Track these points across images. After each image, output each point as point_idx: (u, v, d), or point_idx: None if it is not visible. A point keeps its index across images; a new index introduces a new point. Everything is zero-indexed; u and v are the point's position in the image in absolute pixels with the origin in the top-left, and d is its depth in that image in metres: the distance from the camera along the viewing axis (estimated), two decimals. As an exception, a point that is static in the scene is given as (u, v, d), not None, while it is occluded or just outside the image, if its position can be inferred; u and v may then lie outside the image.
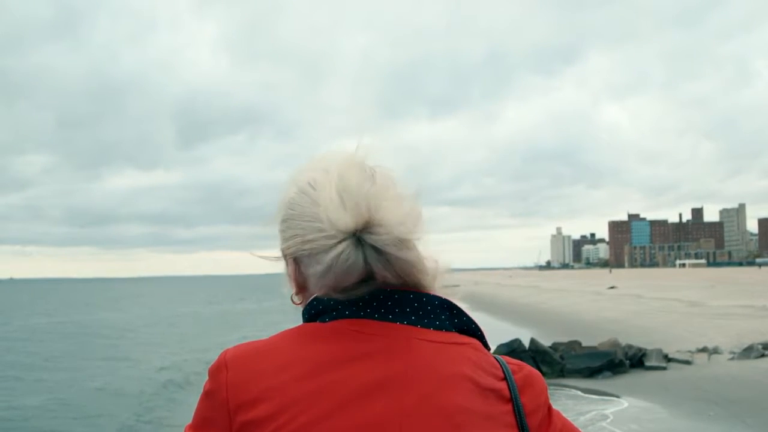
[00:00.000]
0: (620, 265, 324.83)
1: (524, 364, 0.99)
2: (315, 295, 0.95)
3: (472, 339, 0.95)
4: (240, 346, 0.92)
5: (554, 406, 0.99)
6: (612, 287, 51.54)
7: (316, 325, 0.92)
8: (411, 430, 0.83)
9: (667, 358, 14.98)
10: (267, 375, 0.86)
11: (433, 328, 0.92)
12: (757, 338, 16.56)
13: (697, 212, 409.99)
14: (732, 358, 14.91)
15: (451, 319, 0.94)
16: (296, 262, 0.97)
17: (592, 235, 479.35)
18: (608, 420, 10.69)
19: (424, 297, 0.93)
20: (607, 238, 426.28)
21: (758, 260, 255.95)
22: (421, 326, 0.91)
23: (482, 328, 0.97)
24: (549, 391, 1.00)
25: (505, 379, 0.93)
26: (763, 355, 14.55)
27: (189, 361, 21.06)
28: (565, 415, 1.02)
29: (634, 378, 13.94)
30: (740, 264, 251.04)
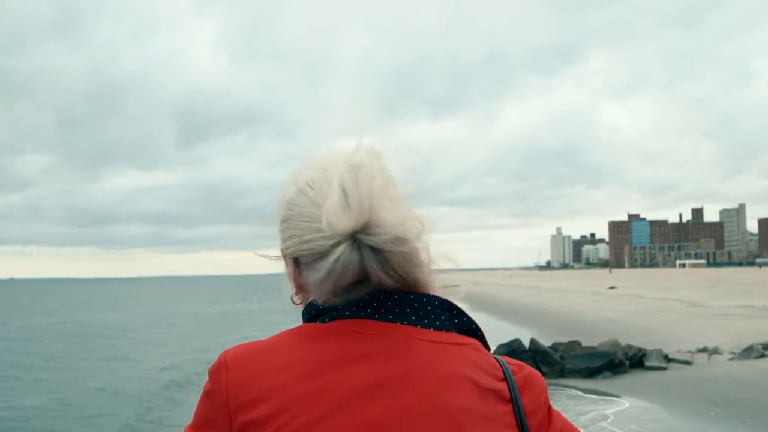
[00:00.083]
0: (620, 266, 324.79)
1: (524, 364, 0.99)
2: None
3: (473, 339, 0.95)
4: (240, 346, 0.92)
5: (554, 407, 0.99)
6: (612, 287, 51.55)
7: (316, 325, 0.92)
8: (411, 430, 0.83)
9: (667, 359, 14.98)
10: (267, 375, 0.86)
11: (434, 329, 0.92)
12: (757, 338, 16.56)
13: (697, 212, 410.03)
14: (732, 359, 14.91)
15: (451, 319, 0.94)
16: (295, 262, 0.97)
17: (592, 235, 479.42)
18: (609, 420, 10.69)
19: (424, 297, 0.93)
20: (607, 238, 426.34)
21: (758, 260, 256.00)
22: (421, 326, 0.91)
23: (482, 328, 0.97)
24: (549, 392, 1.00)
25: (505, 379, 0.93)
26: (763, 356, 14.55)
27: (189, 361, 21.06)
28: (565, 415, 1.02)
29: (634, 378, 13.94)
30: (740, 264, 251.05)
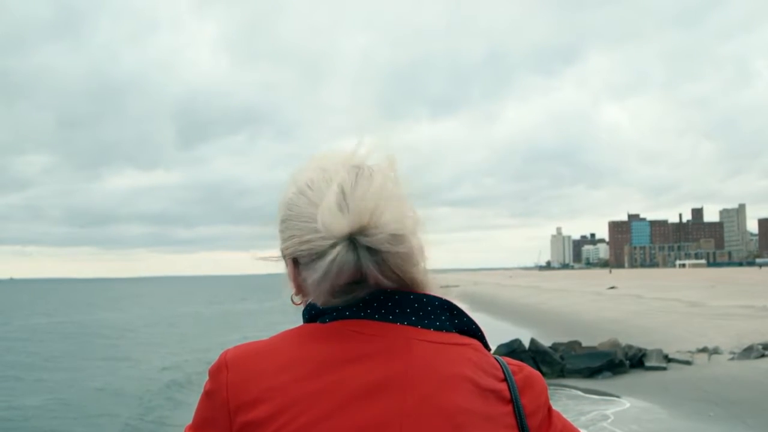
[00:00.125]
0: (620, 266, 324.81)
1: (524, 365, 0.99)
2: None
3: (473, 340, 0.95)
4: (240, 346, 0.92)
5: (555, 407, 0.99)
6: (612, 287, 51.56)
7: (316, 325, 0.92)
8: (411, 430, 0.83)
9: (667, 359, 14.98)
10: (267, 375, 0.86)
11: (434, 329, 0.92)
12: (757, 338, 16.56)
13: (697, 212, 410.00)
14: (732, 359, 14.91)
15: (452, 319, 0.94)
16: (295, 262, 0.97)
17: (592, 235, 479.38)
18: (609, 420, 10.69)
19: (424, 298, 0.93)
20: (607, 239, 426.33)
21: (758, 260, 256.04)
22: (421, 327, 0.91)
23: (482, 328, 0.97)
24: (549, 392, 1.00)
25: (505, 380, 0.93)
26: (763, 356, 14.55)
27: (190, 361, 21.07)
28: (565, 415, 1.02)
29: (634, 378, 13.94)
30: (740, 264, 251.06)
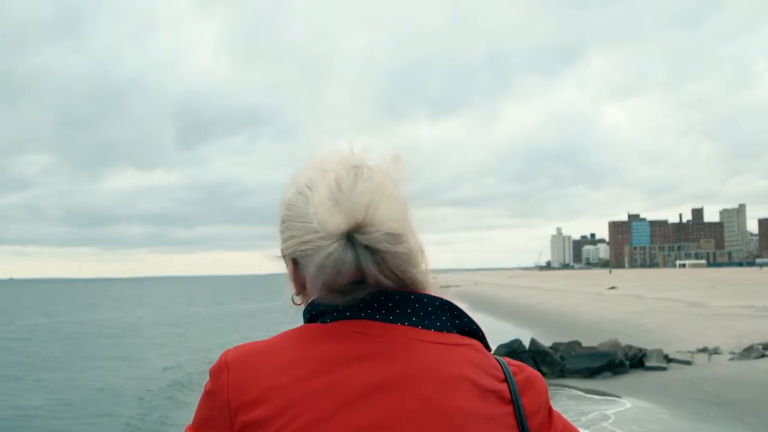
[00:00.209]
0: (620, 266, 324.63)
1: (525, 365, 0.99)
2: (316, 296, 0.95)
3: (473, 340, 0.95)
4: (241, 346, 0.92)
5: (555, 407, 1.00)
6: (612, 287, 51.55)
7: (317, 326, 0.93)
8: (412, 431, 0.84)
9: (668, 359, 14.97)
10: (268, 376, 0.86)
11: (434, 330, 0.92)
12: (758, 338, 16.54)
13: (698, 212, 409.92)
14: (732, 359, 14.90)
15: (452, 320, 0.94)
16: (295, 262, 0.97)
17: (593, 235, 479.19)
18: (610, 420, 10.69)
19: (425, 298, 0.93)
20: (607, 239, 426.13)
21: (758, 260, 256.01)
22: (422, 327, 0.91)
23: (483, 328, 0.97)
24: (549, 392, 1.00)
25: (505, 380, 0.93)
26: (763, 356, 14.54)
27: (191, 361, 21.06)
28: (566, 415, 1.02)
29: (634, 378, 13.93)
30: (740, 264, 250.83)
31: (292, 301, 1.02)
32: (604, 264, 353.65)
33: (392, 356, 0.88)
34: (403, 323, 0.91)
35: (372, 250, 0.88)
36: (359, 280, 0.91)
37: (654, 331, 20.85)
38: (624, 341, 16.22)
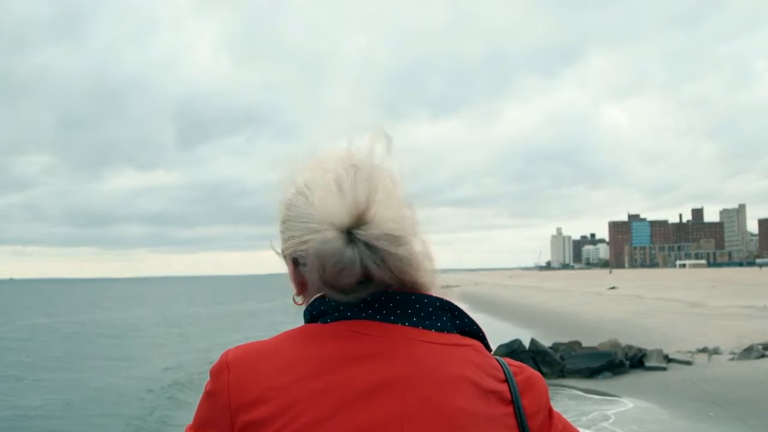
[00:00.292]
0: (620, 266, 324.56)
1: (525, 366, 0.99)
2: (317, 296, 0.95)
3: (474, 340, 0.95)
4: (241, 346, 0.92)
5: (555, 407, 1.00)
6: (612, 288, 51.54)
7: (318, 326, 0.93)
8: (412, 431, 0.84)
9: (668, 359, 14.96)
10: (268, 376, 0.86)
11: (435, 330, 0.92)
12: (758, 338, 16.53)
13: (698, 213, 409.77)
14: (732, 359, 14.90)
15: (453, 320, 0.94)
16: (295, 262, 0.97)
17: (593, 235, 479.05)
18: (610, 420, 10.69)
19: (425, 298, 0.93)
20: (607, 239, 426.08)
21: (758, 260, 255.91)
22: (422, 328, 0.91)
23: (483, 328, 0.97)
24: (550, 392, 1.00)
25: (506, 381, 0.93)
26: (763, 356, 14.53)
27: (191, 362, 21.06)
28: (566, 415, 1.02)
29: (634, 378, 13.93)
30: (740, 264, 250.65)
31: (294, 300, 1.02)
32: (604, 264, 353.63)
33: (393, 356, 0.88)
34: (403, 323, 0.91)
35: (372, 249, 0.88)
36: (362, 279, 0.91)
37: (654, 331, 20.84)
38: (624, 341, 16.21)
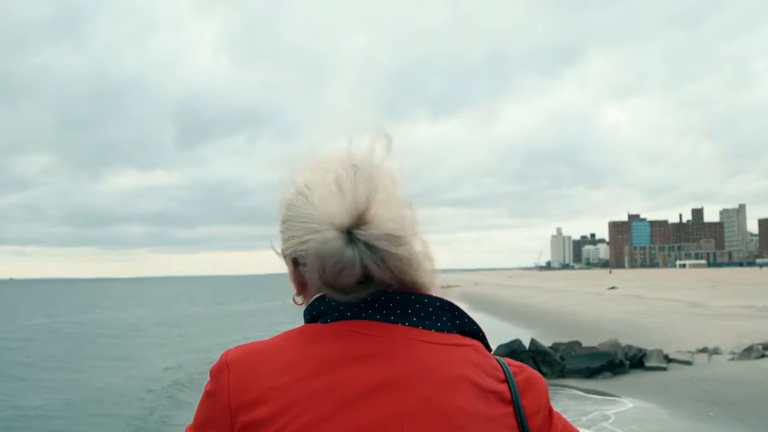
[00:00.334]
0: (620, 266, 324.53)
1: (525, 366, 0.99)
2: (317, 296, 0.95)
3: (474, 341, 0.95)
4: (241, 346, 0.92)
5: (555, 407, 1.00)
6: (612, 288, 51.54)
7: (318, 326, 0.93)
8: (412, 431, 0.84)
9: (668, 359, 14.96)
10: (268, 376, 0.86)
11: (435, 330, 0.92)
12: (758, 338, 16.53)
13: (698, 213, 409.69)
14: (732, 359, 14.89)
15: (453, 320, 0.94)
16: (295, 263, 0.97)
17: (593, 235, 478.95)
18: (610, 420, 10.68)
19: (425, 298, 0.93)
20: (607, 239, 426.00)
21: (758, 261, 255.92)
22: (422, 328, 0.91)
23: (483, 328, 0.97)
24: (550, 392, 1.00)
25: (506, 381, 0.93)
26: (763, 356, 14.53)
27: (191, 362, 21.06)
28: (567, 415, 1.02)
29: (634, 378, 13.93)
30: (741, 264, 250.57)
31: (294, 301, 1.02)
32: (604, 264, 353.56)
33: (393, 356, 0.88)
34: (403, 323, 0.91)
35: (372, 249, 0.88)
36: (362, 280, 0.91)
37: (654, 331, 20.84)
38: (624, 341, 16.21)
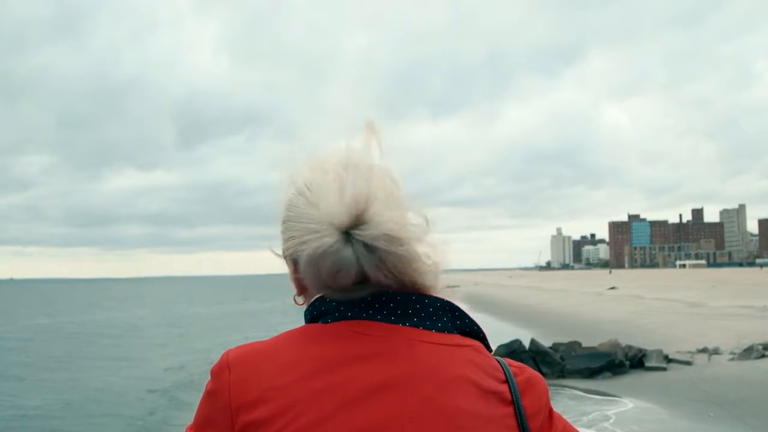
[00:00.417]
0: (620, 266, 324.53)
1: (526, 366, 0.99)
2: (317, 296, 0.95)
3: (474, 341, 0.95)
4: (242, 346, 0.92)
5: (556, 407, 1.00)
6: (612, 288, 51.54)
7: (318, 326, 0.93)
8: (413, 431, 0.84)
9: (668, 359, 14.96)
10: (269, 376, 0.86)
11: (436, 330, 0.92)
12: (758, 339, 16.54)
13: (698, 213, 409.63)
14: (732, 359, 14.90)
15: (453, 321, 0.94)
16: (295, 263, 0.97)
17: (593, 235, 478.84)
18: (611, 421, 10.68)
19: (426, 299, 0.93)
20: (607, 239, 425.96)
21: (758, 261, 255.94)
22: (423, 328, 0.91)
23: (483, 328, 0.97)
24: (550, 393, 1.00)
25: (506, 381, 0.93)
26: (763, 356, 14.53)
27: (191, 362, 21.05)
28: (567, 415, 1.02)
29: (634, 378, 13.93)
30: (740, 264, 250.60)
31: (294, 301, 1.02)
32: (604, 264, 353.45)
33: (394, 357, 0.88)
34: (404, 324, 0.91)
35: (370, 249, 0.88)
36: (361, 280, 0.91)
37: (654, 332, 20.84)
38: (624, 341, 16.21)
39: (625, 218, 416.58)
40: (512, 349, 14.77)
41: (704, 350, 16.00)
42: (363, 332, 0.89)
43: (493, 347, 1.01)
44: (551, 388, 1.04)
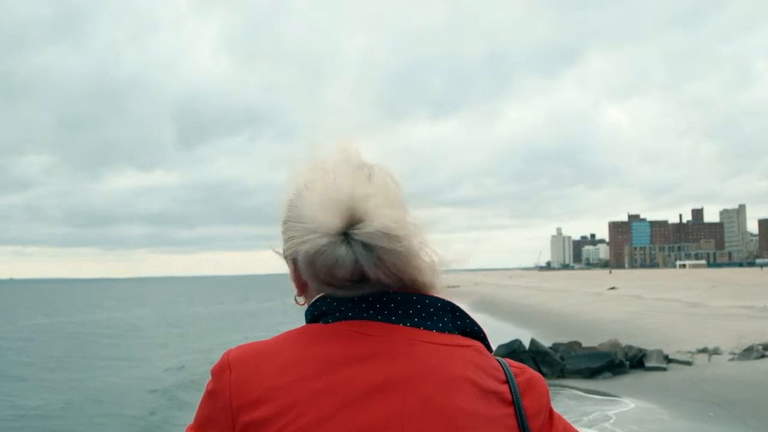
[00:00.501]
0: (620, 266, 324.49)
1: (526, 367, 0.99)
2: (318, 297, 0.96)
3: (475, 341, 0.95)
4: (243, 346, 0.92)
5: (556, 407, 1.00)
6: (612, 288, 51.56)
7: (319, 326, 0.93)
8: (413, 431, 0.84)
9: (668, 359, 14.96)
10: (270, 376, 0.86)
11: (436, 330, 0.92)
12: (758, 339, 16.54)
13: (698, 213, 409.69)
14: (732, 359, 14.89)
15: (454, 321, 0.94)
16: (295, 263, 0.97)
17: (593, 235, 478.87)
18: (611, 421, 10.69)
19: (426, 299, 0.93)
20: (607, 239, 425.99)
21: (759, 261, 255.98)
22: (423, 328, 0.91)
23: (483, 329, 0.98)
24: (550, 393, 1.00)
25: (507, 382, 0.93)
26: (763, 356, 14.53)
27: (192, 362, 21.06)
28: (567, 415, 1.02)
29: (634, 379, 13.93)
30: (741, 265, 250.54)
31: (295, 301, 1.03)
32: (604, 264, 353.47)
33: (394, 357, 0.88)
34: (405, 324, 0.91)
35: (369, 248, 0.88)
36: (359, 278, 0.91)
37: (654, 332, 20.84)
38: (624, 341, 16.20)
39: (625, 218, 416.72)
40: (512, 349, 14.77)
41: (704, 350, 16.00)
42: (363, 332, 0.90)
43: (494, 347, 1.01)
44: (551, 388, 1.04)
